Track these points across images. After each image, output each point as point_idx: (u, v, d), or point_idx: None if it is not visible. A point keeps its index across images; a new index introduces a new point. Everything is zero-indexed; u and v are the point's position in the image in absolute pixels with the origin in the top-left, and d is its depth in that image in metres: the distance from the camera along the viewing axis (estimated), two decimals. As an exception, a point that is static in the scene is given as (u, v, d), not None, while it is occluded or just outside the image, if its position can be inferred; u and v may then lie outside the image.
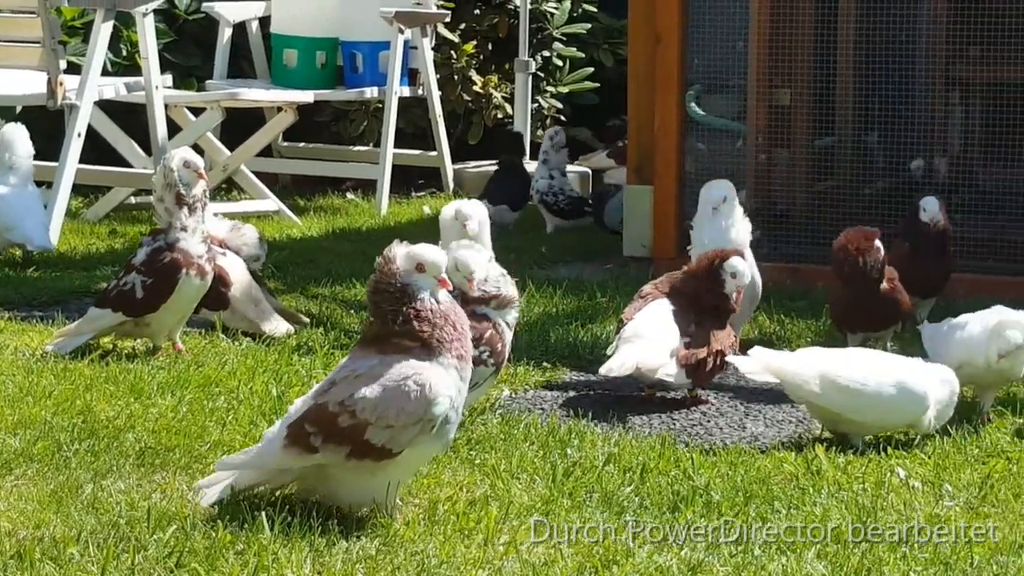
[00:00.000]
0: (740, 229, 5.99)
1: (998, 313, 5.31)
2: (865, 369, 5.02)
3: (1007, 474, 4.69)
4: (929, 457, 4.85)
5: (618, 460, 4.68)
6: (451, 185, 9.66)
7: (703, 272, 5.52)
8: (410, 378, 3.95)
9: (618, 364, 5.27)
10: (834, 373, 4.98)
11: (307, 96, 9.01)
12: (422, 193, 9.85)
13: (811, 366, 5.02)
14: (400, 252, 4.05)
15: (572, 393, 5.63)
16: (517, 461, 4.65)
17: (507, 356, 5.01)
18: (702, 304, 5.47)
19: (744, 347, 5.33)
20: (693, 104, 8.53)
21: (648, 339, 5.33)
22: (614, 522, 4.16)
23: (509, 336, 4.99)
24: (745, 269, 5.51)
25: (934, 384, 5.01)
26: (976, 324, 5.33)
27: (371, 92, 9.37)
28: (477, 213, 5.13)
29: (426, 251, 4.07)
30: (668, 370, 5.33)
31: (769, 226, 7.86)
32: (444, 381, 3.98)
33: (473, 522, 4.08)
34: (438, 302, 4.04)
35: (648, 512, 4.25)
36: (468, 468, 4.58)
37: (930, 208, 6.38)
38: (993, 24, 7.80)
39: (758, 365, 5.08)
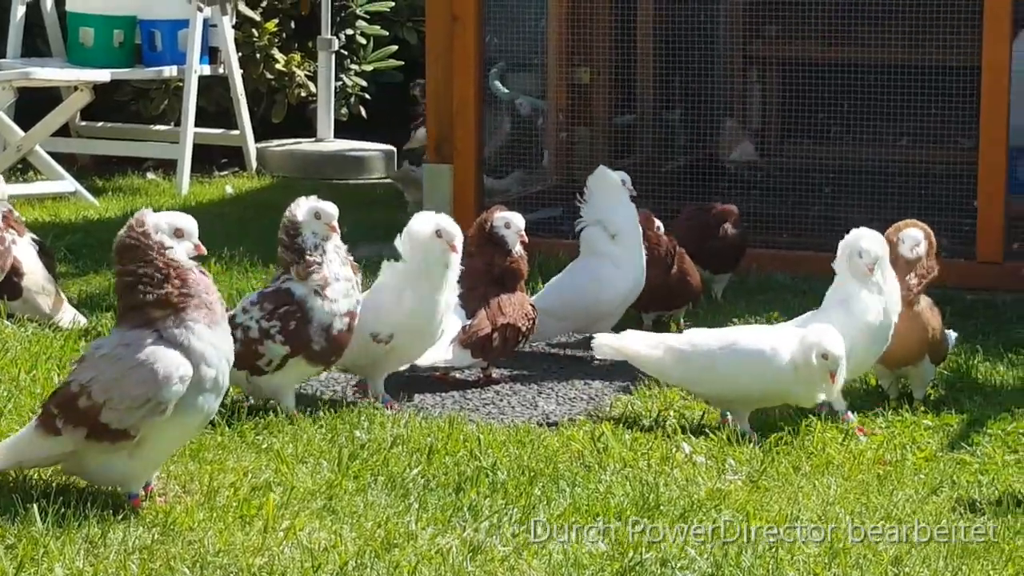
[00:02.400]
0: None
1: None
2: (703, 336, 5.04)
3: (788, 448, 4.78)
4: (714, 433, 4.92)
5: (406, 442, 4.67)
6: (254, 164, 9.57)
7: (481, 238, 5.52)
8: (142, 362, 3.90)
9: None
10: (675, 344, 5.03)
11: (103, 75, 8.84)
12: (225, 172, 9.74)
13: (658, 341, 5.08)
14: (156, 220, 4.02)
15: (367, 375, 5.60)
16: (304, 445, 4.61)
17: (312, 337, 4.87)
18: (492, 274, 5.48)
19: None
20: (497, 82, 8.55)
21: None
22: (398, 504, 4.15)
23: (322, 315, 4.88)
24: (513, 215, 5.52)
25: (785, 345, 4.85)
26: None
27: (170, 71, 9.23)
28: (458, 230, 5.11)
29: (182, 217, 4.07)
30: (446, 357, 5.34)
31: (570, 203, 7.90)
32: (177, 361, 3.92)
33: (255, 508, 4.04)
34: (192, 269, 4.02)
35: (433, 493, 4.25)
36: (254, 453, 4.53)
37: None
38: (789, 2, 7.93)
39: (608, 348, 5.17)
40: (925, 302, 5.28)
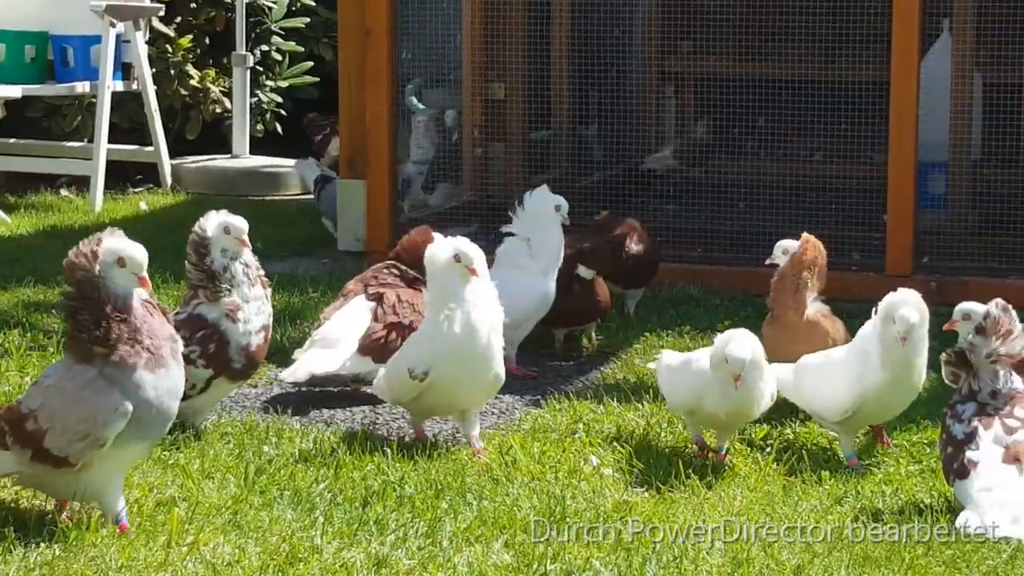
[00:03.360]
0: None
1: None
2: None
3: (695, 459, 4.79)
4: (623, 445, 4.93)
5: (314, 456, 4.66)
6: (169, 181, 9.50)
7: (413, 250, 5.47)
8: (83, 399, 3.89)
9: (290, 372, 5.30)
10: (663, 361, 5.06)
11: (14, 91, 8.77)
12: (139, 189, 9.66)
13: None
14: (103, 245, 3.95)
15: (277, 390, 5.59)
16: (211, 460, 4.60)
17: (232, 357, 4.89)
18: (406, 277, 5.49)
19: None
20: (413, 98, 8.54)
21: (331, 341, 5.33)
22: (304, 519, 4.14)
23: (238, 336, 4.89)
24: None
25: (693, 361, 4.80)
26: (706, 361, 4.79)
27: (83, 87, 9.15)
28: (478, 252, 4.74)
29: (130, 246, 3.98)
30: (352, 366, 5.33)
31: (486, 219, 7.91)
32: (115, 401, 3.89)
33: (159, 524, 4.02)
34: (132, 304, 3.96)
35: (339, 508, 4.24)
36: (160, 469, 4.51)
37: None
38: (704, 19, 7.97)
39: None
40: (818, 311, 5.33)
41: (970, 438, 4.37)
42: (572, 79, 8.19)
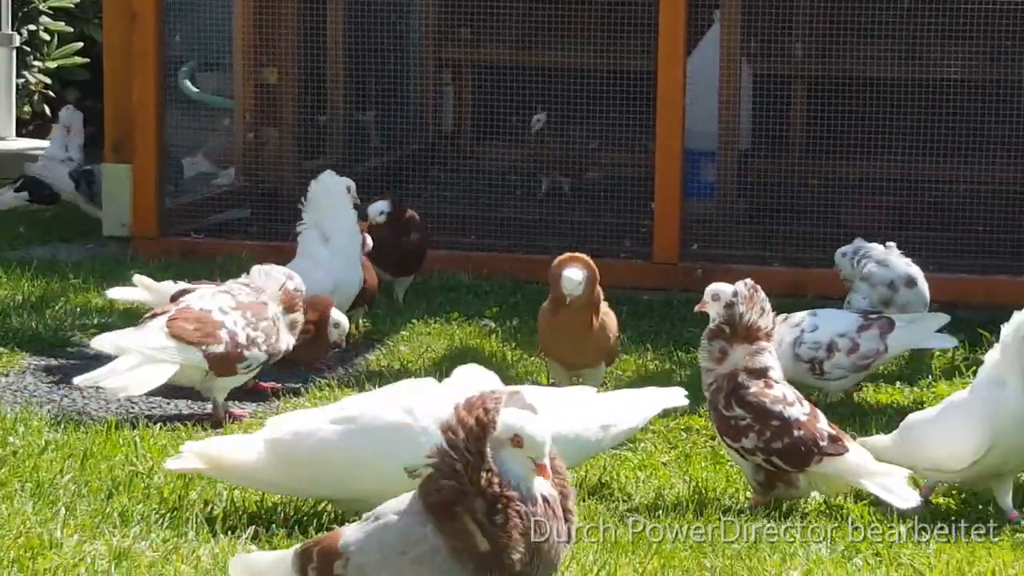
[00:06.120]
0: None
1: None
2: None
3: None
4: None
5: (61, 447, 4.54)
6: (-70, 167, 9.20)
7: None
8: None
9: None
10: None
11: None
12: (-100, 173, 9.34)
13: None
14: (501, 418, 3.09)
15: (30, 379, 5.43)
16: (-54, 454, 4.44)
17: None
18: None
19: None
20: (187, 81, 8.39)
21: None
22: (46, 512, 4.01)
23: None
24: None
25: None
26: None
27: None
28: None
29: (527, 421, 3.12)
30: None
31: (258, 204, 7.81)
32: None
33: None
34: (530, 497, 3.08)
35: (84, 500, 4.12)
36: None
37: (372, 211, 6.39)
38: (481, 7, 7.96)
39: None
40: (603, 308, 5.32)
41: (815, 416, 4.31)
42: (348, 64, 8.11)
